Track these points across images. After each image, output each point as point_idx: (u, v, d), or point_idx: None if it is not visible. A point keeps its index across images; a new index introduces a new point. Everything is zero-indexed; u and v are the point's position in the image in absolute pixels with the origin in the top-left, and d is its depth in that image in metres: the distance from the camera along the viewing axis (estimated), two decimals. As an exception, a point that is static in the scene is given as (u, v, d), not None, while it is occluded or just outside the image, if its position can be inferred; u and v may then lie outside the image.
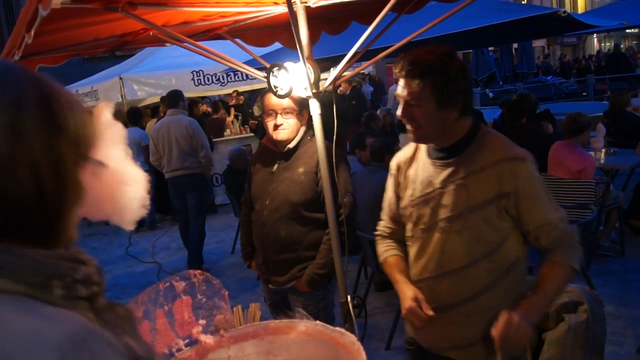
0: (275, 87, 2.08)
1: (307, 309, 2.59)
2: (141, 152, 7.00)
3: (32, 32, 1.59)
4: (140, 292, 1.67)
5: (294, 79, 2.07)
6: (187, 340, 1.72)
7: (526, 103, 5.69)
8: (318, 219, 2.57)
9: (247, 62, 4.33)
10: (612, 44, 28.84)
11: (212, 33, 2.83)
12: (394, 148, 4.23)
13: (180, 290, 1.73)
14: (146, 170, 1.08)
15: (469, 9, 4.31)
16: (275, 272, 2.67)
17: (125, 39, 2.59)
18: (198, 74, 8.84)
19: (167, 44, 2.99)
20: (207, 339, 1.71)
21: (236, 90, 10.97)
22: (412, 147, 1.93)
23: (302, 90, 2.13)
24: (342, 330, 1.70)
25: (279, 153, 2.66)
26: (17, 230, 0.68)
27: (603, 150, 5.58)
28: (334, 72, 2.16)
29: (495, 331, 1.64)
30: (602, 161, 5.45)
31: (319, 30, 3.03)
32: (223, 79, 8.98)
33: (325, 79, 2.31)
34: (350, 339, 1.65)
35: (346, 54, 2.25)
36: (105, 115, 0.84)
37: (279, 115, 2.54)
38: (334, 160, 2.22)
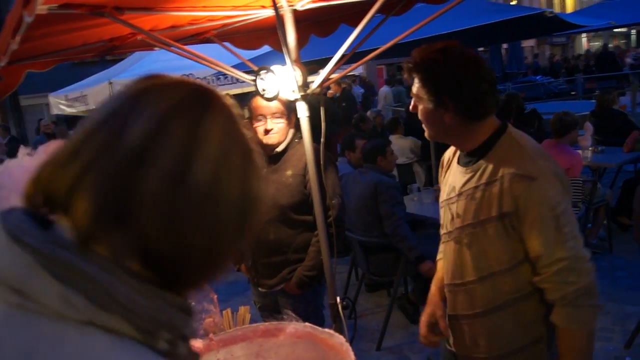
0: (263, 90, 2.09)
1: (296, 312, 2.60)
2: None
3: (18, 38, 1.59)
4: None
5: (282, 81, 2.07)
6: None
7: (513, 103, 5.73)
8: (307, 221, 2.58)
9: (236, 66, 4.34)
10: (601, 44, 29.04)
11: (201, 37, 2.83)
12: (386, 149, 4.24)
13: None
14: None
15: (457, 10, 4.35)
16: (265, 275, 2.68)
17: (114, 43, 2.58)
18: (188, 78, 8.81)
19: (156, 48, 2.99)
20: (196, 343, 1.72)
21: (227, 94, 10.94)
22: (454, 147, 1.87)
23: (290, 93, 2.14)
24: (331, 331, 1.70)
25: (267, 156, 2.67)
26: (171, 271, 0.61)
27: (590, 148, 5.62)
28: (321, 74, 2.17)
29: None
30: (589, 159, 5.50)
31: (307, 33, 3.04)
32: (213, 82, 8.95)
33: (314, 82, 2.32)
34: (339, 340, 1.65)
35: (335, 56, 2.26)
36: None
37: (268, 120, 2.55)
38: (322, 162, 2.23)
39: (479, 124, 1.63)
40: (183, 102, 0.62)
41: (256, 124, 2.59)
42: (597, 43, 35.48)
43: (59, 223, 0.58)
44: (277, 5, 2.02)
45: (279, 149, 2.62)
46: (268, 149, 2.64)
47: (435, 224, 4.28)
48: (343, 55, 2.20)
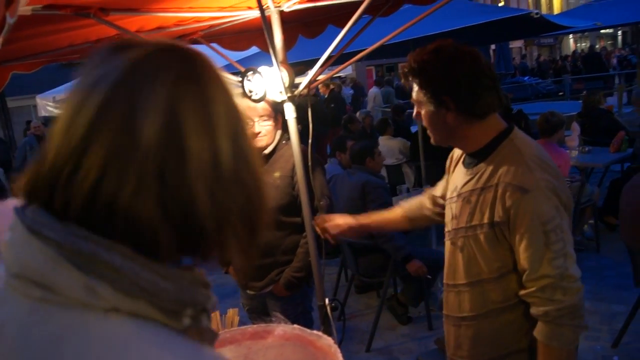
0: (250, 91, 2.09)
1: (285, 314, 2.60)
2: None
3: (1, 40, 1.57)
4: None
5: (269, 83, 2.07)
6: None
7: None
8: (295, 223, 2.57)
9: (224, 67, 4.32)
10: (588, 44, 29.33)
11: (188, 38, 2.82)
12: (374, 151, 4.25)
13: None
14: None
15: (445, 11, 4.38)
16: (253, 277, 2.66)
17: (101, 44, 2.57)
18: (177, 79, 8.78)
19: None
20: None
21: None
22: None
23: (277, 94, 2.14)
24: (320, 333, 1.70)
25: None
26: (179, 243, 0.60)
27: (578, 148, 5.67)
28: (309, 75, 2.17)
29: None
30: (576, 159, 5.54)
31: (295, 34, 3.04)
32: (202, 82, 8.94)
33: (301, 83, 2.32)
34: (328, 342, 1.65)
35: (326, 58, 2.25)
36: None
37: (256, 123, 2.54)
38: (310, 164, 2.23)
39: (483, 123, 1.58)
40: (180, 79, 0.60)
41: None
42: (584, 44, 35.84)
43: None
44: (264, 6, 2.01)
45: (267, 151, 2.61)
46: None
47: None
48: (330, 57, 2.20)
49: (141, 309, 0.57)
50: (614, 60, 20.88)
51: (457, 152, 1.82)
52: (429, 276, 3.88)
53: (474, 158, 1.63)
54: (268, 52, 2.87)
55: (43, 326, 0.56)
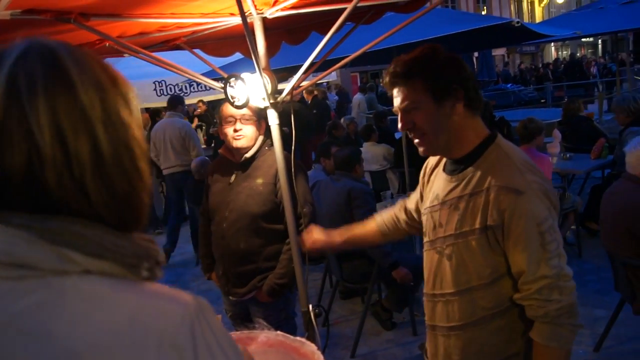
0: (233, 97, 2.08)
1: (268, 320, 2.57)
2: None
3: (-21, 44, 1.55)
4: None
5: (251, 89, 2.07)
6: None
7: (486, 110, 5.83)
8: (278, 230, 2.57)
9: (208, 73, 4.32)
10: (569, 52, 29.76)
11: (171, 44, 2.81)
12: (360, 157, 4.27)
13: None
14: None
15: (428, 19, 4.42)
16: (236, 284, 2.65)
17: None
18: (160, 84, 8.76)
19: (125, 55, 2.96)
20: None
21: (201, 100, 10.90)
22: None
23: (260, 100, 2.14)
24: (303, 339, 1.69)
25: (237, 163, 2.65)
26: (115, 215, 0.71)
27: (560, 155, 5.73)
28: (291, 82, 2.17)
29: None
30: (557, 166, 5.60)
31: (278, 41, 3.05)
32: (186, 89, 8.91)
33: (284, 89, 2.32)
34: (311, 348, 1.64)
35: (313, 64, 2.26)
36: None
37: (237, 122, 2.53)
38: (293, 170, 2.23)
39: (477, 120, 1.59)
40: (49, 87, 0.66)
41: (226, 127, 2.57)
42: (565, 52, 36.36)
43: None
44: (246, 13, 2.01)
45: (248, 154, 2.60)
46: (237, 154, 2.63)
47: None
48: (313, 63, 2.20)
49: (107, 268, 0.67)
50: (594, 69, 21.21)
51: (431, 162, 1.81)
52: (412, 283, 3.89)
53: (459, 164, 1.61)
54: (251, 58, 2.88)
55: (26, 298, 0.63)
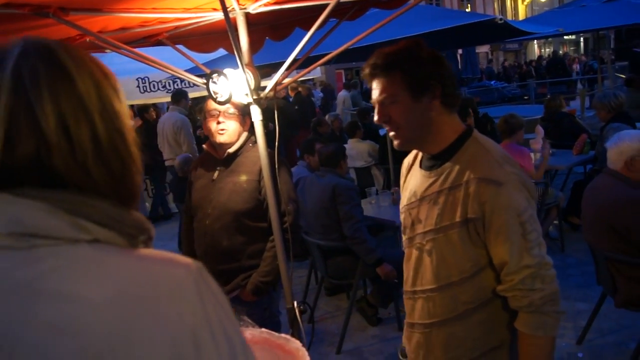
0: (215, 93, 2.06)
1: (252, 318, 2.56)
2: None
3: (-46, 39, 1.52)
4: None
5: (234, 85, 2.05)
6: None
7: (470, 106, 5.86)
8: (261, 227, 2.55)
9: (191, 69, 4.28)
10: (552, 50, 30.05)
11: (153, 39, 2.78)
12: (345, 153, 4.27)
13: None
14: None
15: (412, 16, 4.42)
16: (218, 282, 2.61)
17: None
18: (143, 81, 8.65)
19: (107, 51, 2.92)
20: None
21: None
22: (415, 152, 1.80)
23: (243, 96, 2.12)
24: (288, 336, 1.69)
25: (220, 159, 2.63)
26: (114, 192, 0.77)
27: (542, 151, 5.78)
28: (274, 78, 2.16)
29: None
30: (540, 161, 5.64)
31: (262, 37, 3.02)
32: (169, 85, 8.83)
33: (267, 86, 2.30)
34: (296, 345, 1.64)
35: (293, 60, 2.24)
36: None
37: (221, 116, 2.51)
38: (276, 167, 2.22)
39: (454, 116, 1.60)
40: (51, 81, 0.72)
41: (210, 121, 2.55)
42: (548, 49, 36.69)
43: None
44: (229, 8, 1.99)
45: (231, 150, 2.58)
46: (221, 150, 2.60)
47: (393, 226, 4.35)
48: (296, 60, 2.19)
49: (112, 237, 0.72)
50: (577, 67, 21.43)
51: (407, 160, 1.82)
52: (395, 280, 3.90)
53: (436, 160, 1.61)
54: (234, 54, 2.86)
55: (40, 263, 0.68)
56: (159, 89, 8.83)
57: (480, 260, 1.54)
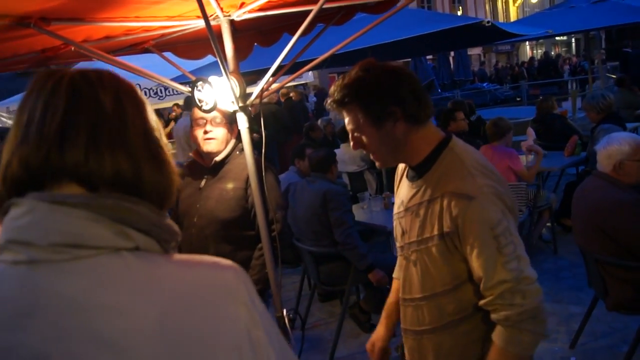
0: (200, 101, 2.05)
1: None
2: None
3: None
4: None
5: (219, 93, 2.04)
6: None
7: (456, 110, 5.86)
8: (248, 236, 2.53)
9: (180, 77, 4.26)
10: (543, 51, 30.18)
11: (140, 47, 2.76)
12: (336, 158, 4.25)
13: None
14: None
15: (402, 20, 4.43)
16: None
17: (47, 54, 2.49)
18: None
19: (94, 59, 2.90)
20: None
21: (176, 104, 10.79)
22: None
23: (229, 104, 2.11)
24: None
25: (207, 168, 2.61)
26: (156, 194, 0.79)
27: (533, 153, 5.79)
28: (259, 84, 2.15)
29: None
30: (532, 163, 5.65)
31: (251, 43, 3.01)
32: (161, 92, 8.82)
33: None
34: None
35: (280, 66, 2.23)
36: None
37: (208, 124, 2.50)
38: (263, 174, 2.20)
39: (425, 129, 1.58)
40: (117, 94, 0.80)
41: (196, 129, 2.53)
42: (540, 51, 36.85)
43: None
44: (212, 16, 1.98)
45: (218, 158, 2.56)
46: (208, 158, 2.59)
47: (385, 231, 4.33)
48: (282, 65, 2.18)
49: (151, 244, 0.74)
50: (567, 68, 21.51)
51: (400, 167, 1.81)
52: (387, 286, 3.88)
53: (417, 171, 1.61)
54: (226, 60, 2.85)
55: (85, 277, 0.67)
56: (150, 95, 8.82)
57: (460, 273, 1.53)
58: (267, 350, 0.74)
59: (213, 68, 4.58)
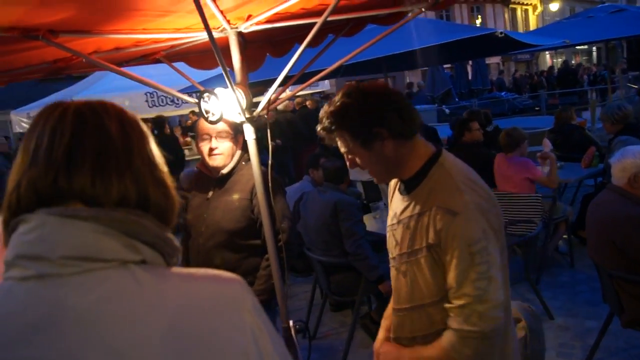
0: (207, 112, 2.06)
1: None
2: None
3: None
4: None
5: (226, 104, 2.04)
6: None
7: (477, 120, 5.81)
8: (254, 245, 2.53)
9: (190, 87, 4.28)
10: (564, 60, 29.89)
11: (151, 58, 2.79)
12: (348, 169, 4.23)
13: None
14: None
15: (415, 30, 4.41)
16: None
17: (59, 65, 2.52)
18: (152, 95, 8.74)
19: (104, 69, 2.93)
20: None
21: (193, 111, 10.88)
22: None
23: (236, 115, 2.11)
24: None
25: (214, 179, 2.62)
26: (160, 212, 0.82)
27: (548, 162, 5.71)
28: (266, 95, 2.15)
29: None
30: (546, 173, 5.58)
31: (263, 53, 3.03)
32: (178, 100, 8.89)
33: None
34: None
35: (291, 76, 2.23)
36: None
37: (213, 139, 2.51)
38: (270, 185, 2.20)
39: (413, 144, 1.63)
40: (120, 125, 0.83)
41: (201, 144, 2.55)
42: (560, 59, 36.49)
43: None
44: (219, 28, 1.99)
45: (225, 171, 2.57)
46: (214, 170, 2.60)
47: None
48: (289, 76, 2.18)
49: (156, 258, 0.76)
50: (585, 77, 21.22)
51: (393, 181, 1.85)
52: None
53: (408, 184, 1.66)
54: (234, 71, 2.86)
55: (96, 290, 0.68)
56: (167, 103, 8.91)
57: (445, 285, 1.55)
58: (272, 357, 0.77)
59: (223, 78, 4.61)
